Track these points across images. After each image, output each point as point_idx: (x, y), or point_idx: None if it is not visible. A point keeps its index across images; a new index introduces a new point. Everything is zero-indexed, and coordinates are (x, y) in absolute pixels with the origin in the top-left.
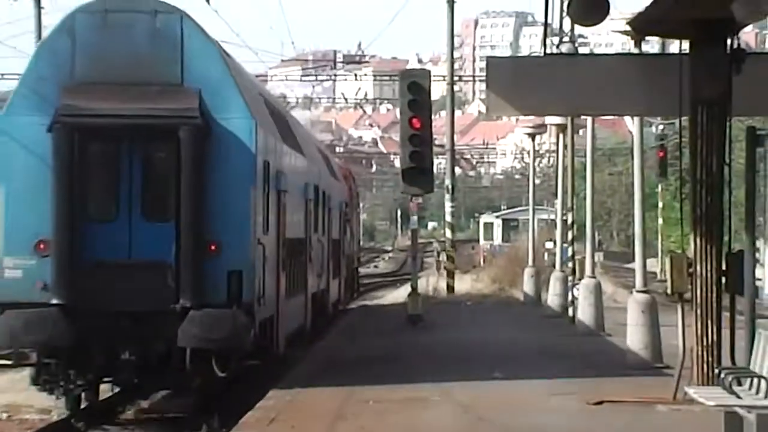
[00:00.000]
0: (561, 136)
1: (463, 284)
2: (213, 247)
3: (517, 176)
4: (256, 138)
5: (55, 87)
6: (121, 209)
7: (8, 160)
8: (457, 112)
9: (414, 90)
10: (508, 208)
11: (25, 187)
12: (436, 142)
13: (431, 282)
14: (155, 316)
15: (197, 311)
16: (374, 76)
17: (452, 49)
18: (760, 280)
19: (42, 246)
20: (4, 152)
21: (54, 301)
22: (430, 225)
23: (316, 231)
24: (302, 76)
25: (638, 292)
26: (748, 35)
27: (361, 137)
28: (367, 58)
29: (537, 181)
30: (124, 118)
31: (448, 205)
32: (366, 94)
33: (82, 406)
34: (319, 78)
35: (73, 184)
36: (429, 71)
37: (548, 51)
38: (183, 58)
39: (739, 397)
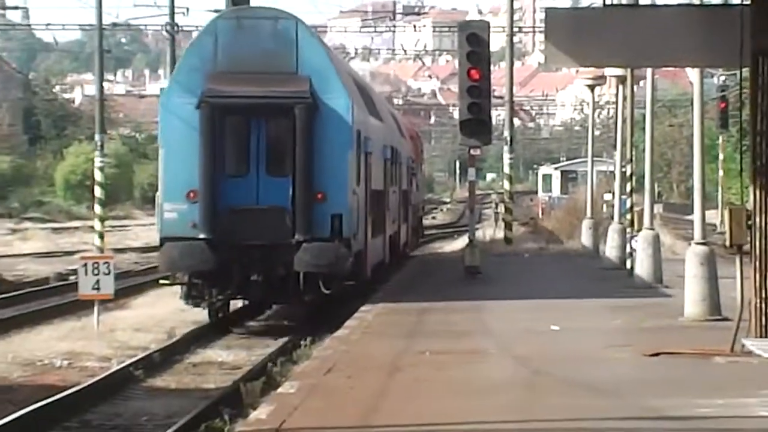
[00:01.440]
0: (621, 87)
1: (522, 236)
2: (320, 196)
3: (576, 128)
4: (352, 113)
5: (201, 75)
6: (251, 167)
7: (167, 130)
8: (517, 64)
9: (473, 41)
10: (567, 160)
11: (179, 150)
12: (495, 94)
13: (489, 234)
14: (277, 248)
15: (308, 244)
16: (433, 27)
17: (512, 0)
18: None
19: (192, 195)
20: (164, 123)
21: (201, 236)
22: (489, 176)
23: (392, 184)
24: (361, 27)
25: (697, 244)
26: None
27: (420, 89)
28: (426, 9)
29: (596, 133)
30: (253, 99)
31: (506, 157)
32: (425, 46)
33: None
34: (378, 29)
35: (215, 148)
36: (488, 22)
37: (608, 2)
38: (297, 53)
39: None
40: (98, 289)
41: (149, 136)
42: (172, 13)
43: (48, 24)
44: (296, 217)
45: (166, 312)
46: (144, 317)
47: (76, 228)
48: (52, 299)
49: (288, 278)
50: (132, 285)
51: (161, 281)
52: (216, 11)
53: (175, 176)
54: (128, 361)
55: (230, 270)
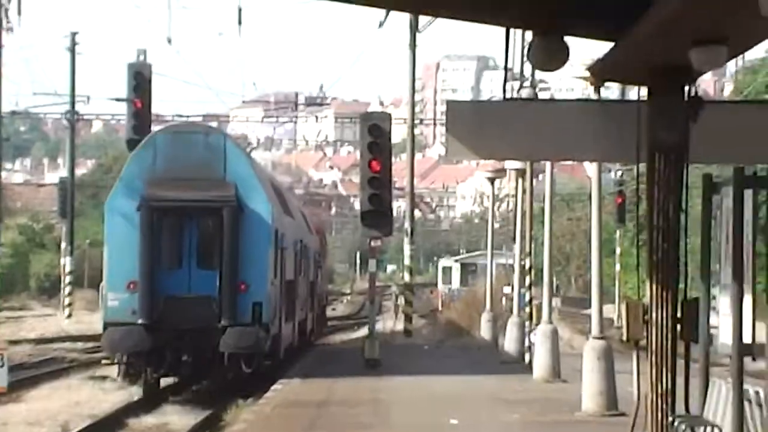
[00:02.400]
0: (520, 180)
1: (421, 328)
2: (243, 287)
3: (476, 220)
4: (272, 215)
5: (142, 181)
6: (184, 261)
7: (111, 228)
8: (418, 155)
9: (374, 132)
10: (467, 252)
11: (121, 246)
12: (396, 185)
13: (389, 325)
14: (205, 331)
15: (232, 328)
16: (335, 118)
17: (413, 92)
18: (715, 328)
19: (132, 285)
20: (109, 223)
21: (139, 321)
22: (389, 268)
23: (300, 275)
24: (264, 117)
25: (594, 338)
26: (706, 83)
27: (321, 179)
28: (328, 100)
29: (496, 226)
30: (186, 202)
31: (407, 249)
32: (327, 136)
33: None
34: (281, 119)
35: (153, 244)
36: (389, 114)
37: (509, 96)
38: (225, 162)
39: None
40: None
41: (47, 226)
42: (73, 102)
43: None
44: (222, 304)
45: (60, 405)
46: (38, 411)
47: None
48: None
49: (214, 358)
50: (26, 377)
51: (103, 362)
52: (117, 99)
53: (118, 269)
54: None
55: (164, 351)
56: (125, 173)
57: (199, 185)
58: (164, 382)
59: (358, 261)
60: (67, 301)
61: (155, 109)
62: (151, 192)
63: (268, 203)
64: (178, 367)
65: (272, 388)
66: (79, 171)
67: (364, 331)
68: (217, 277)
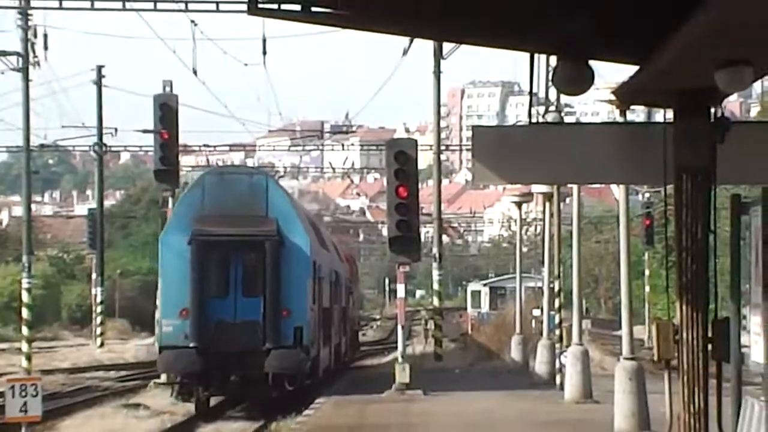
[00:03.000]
0: (547, 204)
1: (451, 352)
2: (285, 313)
3: (504, 244)
4: (310, 248)
5: (192, 218)
6: (230, 289)
7: (165, 261)
8: (444, 181)
9: (401, 159)
10: (495, 276)
11: (174, 277)
12: (423, 211)
13: (419, 350)
14: (251, 354)
15: (276, 350)
16: (361, 145)
17: (439, 118)
18: (746, 347)
19: (184, 312)
20: (162, 256)
21: (191, 345)
22: (418, 293)
23: (335, 302)
24: (290, 146)
25: (625, 359)
26: (732, 104)
27: (348, 206)
28: (354, 128)
29: (524, 249)
30: (232, 236)
31: (435, 274)
32: (353, 164)
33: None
34: (307, 148)
35: (202, 275)
36: (416, 140)
37: (534, 120)
38: (267, 200)
39: None
40: (26, 411)
41: (77, 257)
42: (100, 134)
43: None
44: (266, 329)
45: None
46: None
47: (3, 350)
48: None
49: (259, 378)
50: (60, 407)
51: (155, 382)
52: (144, 131)
53: (171, 297)
54: None
55: (213, 372)
56: (176, 211)
57: (244, 221)
58: (214, 400)
59: (387, 287)
60: (98, 330)
61: (182, 139)
62: (200, 228)
63: (307, 237)
64: (227, 387)
65: (305, 412)
66: (108, 202)
67: (394, 356)
68: (261, 304)
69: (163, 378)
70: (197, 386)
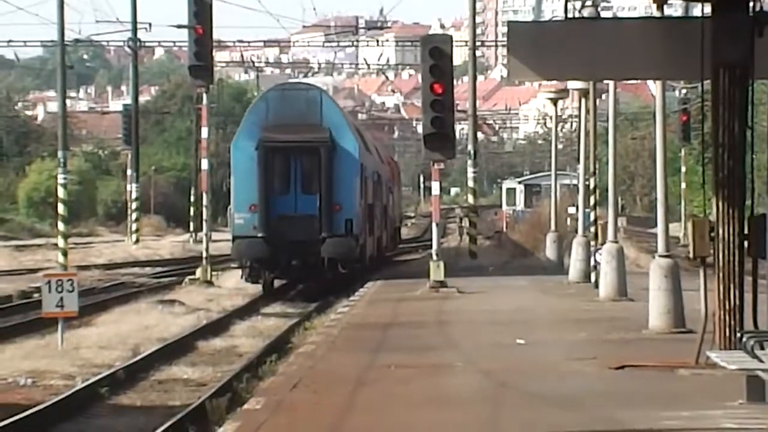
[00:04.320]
0: (583, 100)
1: (486, 249)
2: (337, 207)
3: (539, 141)
4: (359, 153)
5: (258, 128)
6: (291, 188)
7: (237, 164)
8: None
9: (436, 55)
10: (530, 174)
11: (244, 177)
12: (458, 108)
13: (453, 247)
14: (309, 242)
15: (331, 239)
16: (396, 41)
17: (474, 14)
18: None
19: (253, 207)
20: (234, 160)
21: (259, 235)
22: (453, 190)
23: (377, 200)
24: (324, 42)
25: (660, 256)
26: None
27: (383, 103)
28: (389, 24)
29: (559, 146)
30: (293, 143)
31: (470, 171)
32: (388, 60)
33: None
34: (341, 44)
35: (268, 176)
36: (450, 36)
37: (570, 15)
38: (321, 112)
39: (761, 360)
40: (62, 306)
41: (112, 153)
42: (135, 29)
43: (9, 41)
44: (322, 221)
45: (130, 329)
46: (108, 334)
47: (39, 245)
48: (15, 317)
49: (317, 262)
50: (96, 302)
51: (190, 278)
52: (178, 26)
53: (242, 195)
54: (93, 379)
55: (278, 258)
56: (246, 121)
57: (302, 130)
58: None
59: (421, 184)
60: (134, 227)
61: (216, 35)
62: (266, 135)
63: (355, 143)
64: (289, 271)
65: (339, 309)
66: (143, 98)
67: (429, 252)
68: (317, 200)
69: (197, 274)
70: (264, 270)
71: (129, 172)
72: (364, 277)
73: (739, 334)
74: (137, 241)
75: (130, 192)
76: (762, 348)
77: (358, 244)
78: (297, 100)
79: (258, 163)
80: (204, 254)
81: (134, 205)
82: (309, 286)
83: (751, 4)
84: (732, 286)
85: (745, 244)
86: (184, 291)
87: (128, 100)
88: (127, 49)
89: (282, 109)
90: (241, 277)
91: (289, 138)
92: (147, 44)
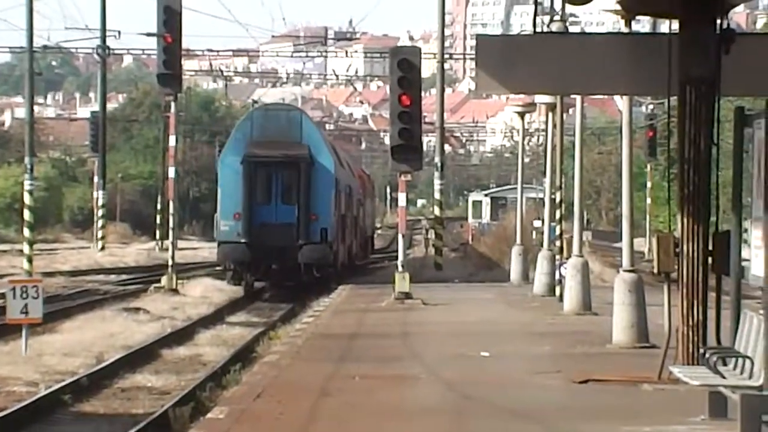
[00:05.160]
0: (550, 114)
1: (452, 261)
2: (314, 217)
3: (506, 155)
4: (334, 168)
5: (243, 143)
6: (272, 198)
7: (224, 176)
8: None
9: (404, 67)
10: (497, 187)
11: (229, 189)
12: (426, 120)
13: (419, 259)
14: (288, 248)
15: (307, 245)
16: (365, 53)
17: (443, 26)
18: (746, 260)
19: (237, 215)
20: (221, 172)
21: (242, 241)
22: (419, 202)
23: (349, 211)
24: (293, 52)
25: (625, 271)
26: (738, 16)
27: (351, 114)
28: (358, 35)
29: (526, 160)
30: (275, 158)
31: (437, 183)
32: (357, 71)
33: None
34: (310, 54)
35: (251, 187)
36: (419, 49)
37: (539, 30)
38: (301, 130)
39: (723, 377)
40: (26, 313)
41: (79, 159)
42: (104, 36)
43: None
44: (300, 229)
45: (94, 336)
46: (72, 342)
47: (4, 251)
48: None
49: (294, 267)
50: (61, 309)
51: (155, 286)
52: (147, 34)
53: (227, 204)
54: (56, 386)
55: (259, 261)
56: (232, 138)
57: (283, 146)
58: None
59: (388, 195)
60: (100, 234)
61: (185, 43)
62: (250, 151)
63: (331, 159)
64: (269, 274)
65: (304, 320)
66: (111, 105)
67: (394, 266)
68: (296, 210)
69: (163, 282)
70: (246, 272)
71: (96, 179)
72: (335, 281)
73: (702, 350)
74: (103, 248)
75: (97, 199)
76: (724, 364)
77: (332, 250)
78: (279, 119)
79: (243, 176)
80: (170, 262)
81: (100, 212)
82: (284, 288)
83: (718, 21)
84: (696, 301)
85: (710, 260)
86: (149, 299)
87: (96, 107)
88: (95, 56)
89: (266, 128)
90: (226, 280)
91: (271, 153)
92: (116, 52)
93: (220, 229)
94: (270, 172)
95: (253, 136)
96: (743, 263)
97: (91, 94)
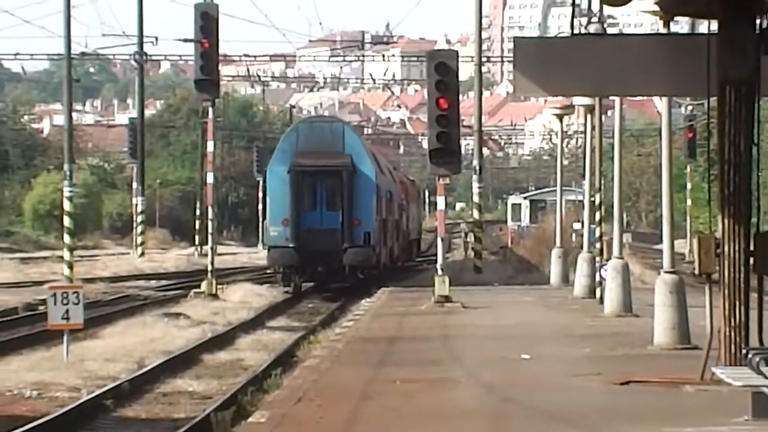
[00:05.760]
0: (589, 116)
1: (491, 265)
2: (357, 222)
3: (545, 157)
4: (375, 175)
5: (289, 154)
6: (317, 205)
7: (271, 185)
8: (485, 93)
9: (441, 70)
10: (535, 189)
11: (277, 196)
12: (464, 123)
13: (458, 263)
14: (333, 251)
15: (351, 249)
16: (402, 56)
17: (480, 29)
18: None
19: (285, 221)
20: (270, 181)
21: (290, 245)
22: (458, 206)
23: (390, 215)
24: (330, 56)
25: (666, 272)
26: None
27: (389, 118)
28: (395, 39)
29: (565, 162)
30: (319, 167)
31: (475, 186)
32: (394, 75)
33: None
34: (347, 59)
35: (298, 195)
36: (456, 52)
37: (576, 31)
38: (344, 140)
39: (766, 377)
40: (68, 318)
41: (118, 166)
42: (141, 43)
43: (16, 54)
44: (344, 233)
45: (135, 342)
46: (113, 347)
47: (45, 258)
48: (21, 329)
49: (339, 269)
50: (101, 315)
51: (195, 291)
52: (184, 40)
53: (276, 211)
54: (98, 391)
55: (306, 265)
56: (279, 148)
57: (327, 156)
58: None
59: (427, 199)
60: (139, 239)
61: (222, 49)
62: (296, 161)
63: (372, 167)
64: (315, 276)
65: (344, 324)
66: (149, 111)
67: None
68: (340, 216)
69: (202, 288)
70: (294, 275)
71: (134, 185)
72: (376, 284)
73: (744, 351)
74: (142, 254)
75: (136, 205)
76: (767, 365)
77: (375, 253)
78: (323, 130)
79: (290, 185)
80: (209, 267)
81: (139, 218)
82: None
83: (757, 21)
84: (737, 302)
85: (751, 260)
86: (189, 304)
87: (134, 114)
88: (133, 62)
89: (310, 139)
90: (277, 283)
91: (316, 163)
92: (153, 58)
93: (269, 234)
94: (315, 181)
95: (299, 147)
96: None
97: (129, 101)
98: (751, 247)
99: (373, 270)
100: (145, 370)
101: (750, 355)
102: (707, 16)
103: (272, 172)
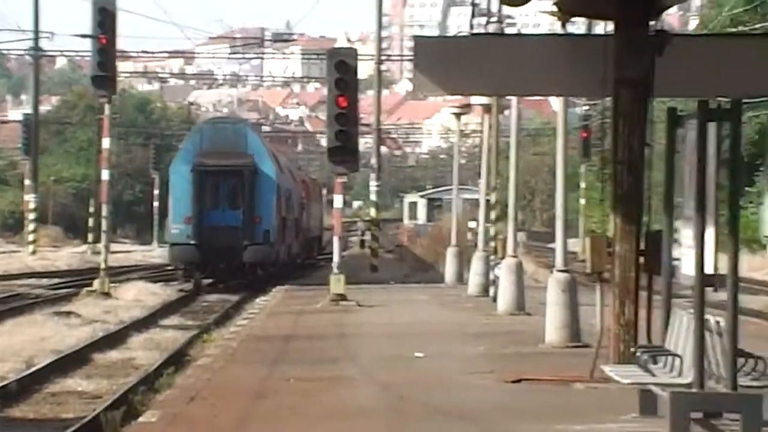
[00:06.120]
0: (486, 116)
1: (387, 263)
2: (257, 220)
3: (442, 156)
4: (276, 175)
5: (194, 153)
6: (219, 203)
7: (174, 183)
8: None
9: (341, 69)
10: (433, 188)
11: (180, 194)
12: (363, 122)
13: (354, 261)
14: (234, 249)
15: (251, 246)
16: (302, 54)
17: (380, 28)
18: (677, 260)
19: (187, 219)
20: (173, 180)
21: (192, 242)
22: (355, 204)
23: (290, 213)
24: (230, 53)
25: (558, 271)
26: (671, 17)
27: (287, 116)
28: (295, 37)
29: (462, 161)
30: (222, 167)
31: (373, 185)
32: (293, 73)
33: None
34: (247, 56)
35: (200, 193)
36: (356, 50)
37: (475, 31)
38: (246, 141)
39: (654, 375)
40: None
41: (10, 162)
42: (36, 38)
43: None
44: (245, 231)
45: (24, 341)
46: (2, 346)
47: None
48: None
49: (240, 266)
50: None
51: (87, 290)
52: (81, 36)
53: (178, 209)
54: None
55: (207, 261)
56: (183, 148)
57: (230, 156)
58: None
59: (324, 197)
60: (31, 237)
61: (120, 45)
62: (199, 160)
63: (273, 167)
64: (216, 273)
65: (239, 322)
66: (43, 108)
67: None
68: (241, 214)
69: (95, 286)
70: (195, 271)
71: (27, 182)
72: (275, 280)
73: (633, 349)
74: (34, 252)
75: (28, 202)
76: (655, 362)
77: (274, 250)
78: (226, 131)
79: (193, 183)
80: (102, 265)
81: (32, 216)
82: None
83: (652, 22)
84: (628, 301)
85: (641, 259)
86: (81, 303)
87: (28, 109)
88: (28, 58)
89: (214, 139)
90: (177, 281)
91: (218, 163)
92: (49, 53)
93: (171, 231)
94: (218, 180)
95: (203, 147)
96: (674, 263)
97: (24, 97)
98: (642, 247)
99: (272, 267)
100: (33, 369)
101: (638, 354)
102: (604, 17)
103: (175, 171)
